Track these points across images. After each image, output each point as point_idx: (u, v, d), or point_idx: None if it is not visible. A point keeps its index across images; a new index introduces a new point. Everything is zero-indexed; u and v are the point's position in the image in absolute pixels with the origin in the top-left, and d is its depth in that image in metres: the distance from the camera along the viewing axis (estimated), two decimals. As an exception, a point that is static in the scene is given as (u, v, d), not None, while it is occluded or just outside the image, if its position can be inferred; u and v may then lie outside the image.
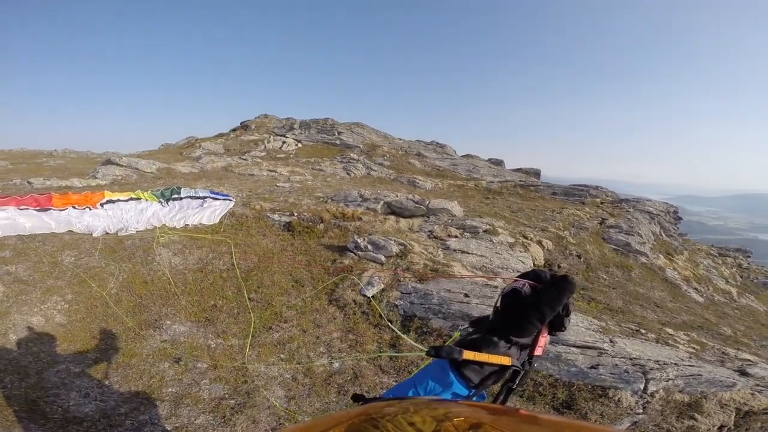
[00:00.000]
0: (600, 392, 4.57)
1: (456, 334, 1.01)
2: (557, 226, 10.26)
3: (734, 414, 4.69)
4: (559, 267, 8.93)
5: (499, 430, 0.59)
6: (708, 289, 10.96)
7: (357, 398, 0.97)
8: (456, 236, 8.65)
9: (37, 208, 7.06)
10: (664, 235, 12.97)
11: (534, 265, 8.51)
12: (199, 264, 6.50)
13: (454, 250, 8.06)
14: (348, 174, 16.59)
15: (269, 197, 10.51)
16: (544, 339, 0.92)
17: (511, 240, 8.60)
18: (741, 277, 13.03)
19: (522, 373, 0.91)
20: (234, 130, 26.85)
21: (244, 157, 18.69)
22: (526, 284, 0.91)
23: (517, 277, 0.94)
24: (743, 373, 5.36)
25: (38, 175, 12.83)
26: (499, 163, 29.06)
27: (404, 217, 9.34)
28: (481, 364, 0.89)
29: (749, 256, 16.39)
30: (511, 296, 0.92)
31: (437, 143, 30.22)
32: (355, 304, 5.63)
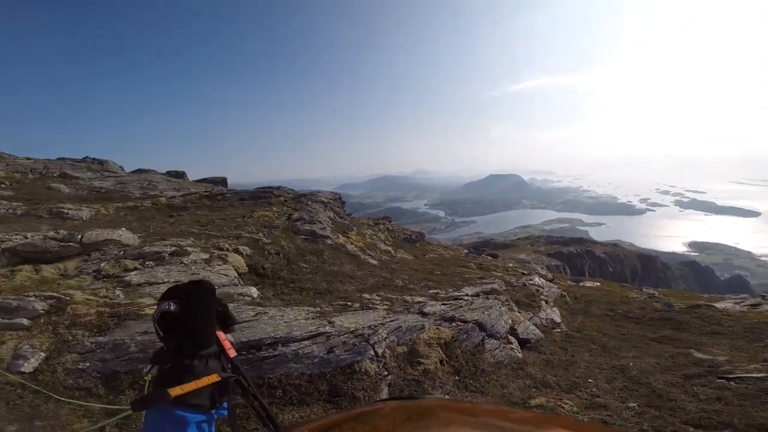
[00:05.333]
0: (349, 371, 4.77)
1: (147, 378, 0.96)
2: (250, 230, 10.24)
3: (440, 348, 5.89)
4: (263, 268, 8.93)
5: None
6: (377, 253, 14.08)
7: None
8: (137, 268, 6.99)
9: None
10: (337, 218, 15.59)
11: (238, 273, 8.10)
12: None
13: (139, 285, 6.55)
14: None
15: None
16: (226, 341, 0.98)
17: (206, 256, 7.83)
18: (392, 237, 17.58)
19: (240, 377, 0.95)
20: None
21: None
22: (170, 303, 0.93)
23: (160, 299, 0.97)
24: (423, 313, 6.83)
25: None
26: (180, 175, 26.51)
27: (48, 262, 6.68)
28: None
29: (391, 221, 22.40)
30: (165, 319, 0.93)
31: (94, 159, 24.28)
32: (12, 387, 3.94)
